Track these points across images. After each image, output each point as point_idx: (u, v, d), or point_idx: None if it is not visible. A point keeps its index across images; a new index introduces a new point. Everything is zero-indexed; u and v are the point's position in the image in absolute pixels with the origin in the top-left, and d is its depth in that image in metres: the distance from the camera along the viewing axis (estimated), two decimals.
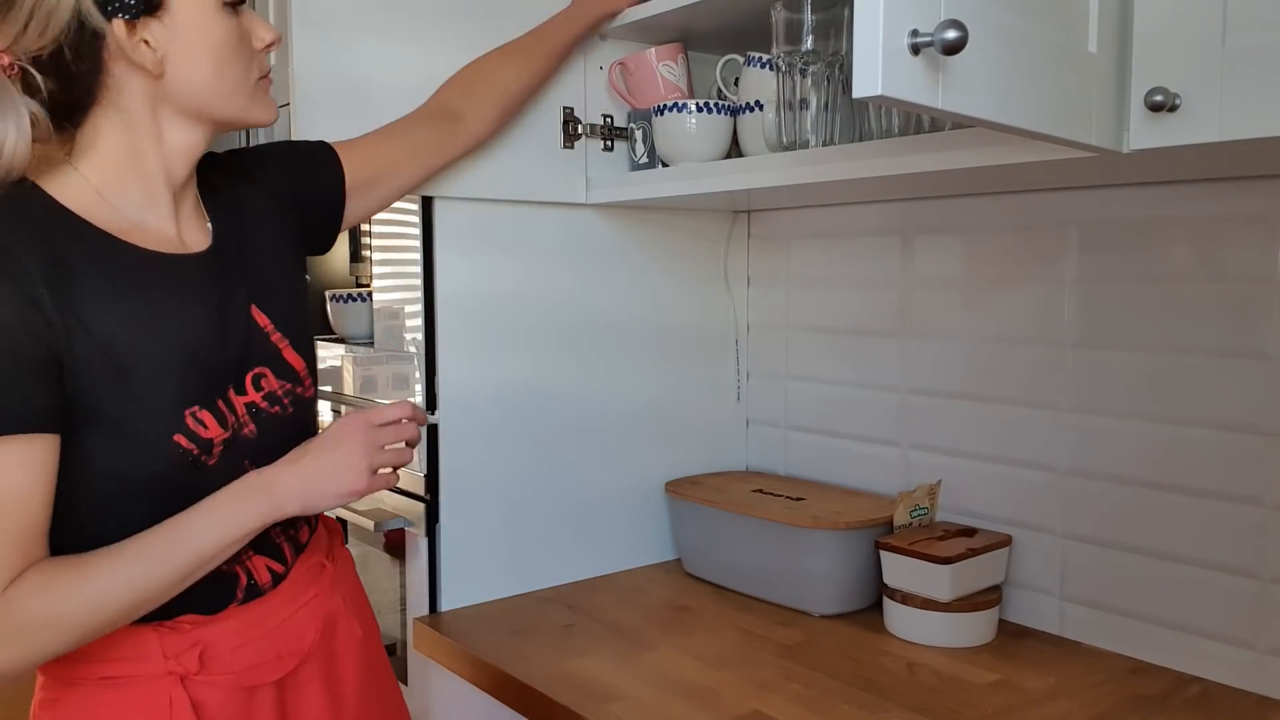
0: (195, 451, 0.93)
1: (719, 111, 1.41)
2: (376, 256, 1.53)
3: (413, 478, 1.44)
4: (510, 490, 1.48)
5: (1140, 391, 1.22)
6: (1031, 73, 0.80)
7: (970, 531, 1.37)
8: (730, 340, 1.73)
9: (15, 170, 0.89)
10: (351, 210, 1.19)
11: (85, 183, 0.93)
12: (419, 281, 1.40)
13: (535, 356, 1.50)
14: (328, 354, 1.68)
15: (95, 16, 0.88)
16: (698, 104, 1.40)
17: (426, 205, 1.39)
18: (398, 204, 1.45)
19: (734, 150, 1.44)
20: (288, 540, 1.05)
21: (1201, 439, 1.17)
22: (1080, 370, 1.28)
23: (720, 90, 1.46)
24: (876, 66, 0.65)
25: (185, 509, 0.93)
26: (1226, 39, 0.81)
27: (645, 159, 1.50)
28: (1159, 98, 0.84)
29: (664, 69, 1.48)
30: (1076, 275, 1.28)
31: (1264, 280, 1.12)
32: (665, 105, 1.42)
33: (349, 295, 1.65)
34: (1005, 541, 1.34)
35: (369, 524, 1.44)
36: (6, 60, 0.90)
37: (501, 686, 1.22)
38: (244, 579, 1.00)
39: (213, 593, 0.97)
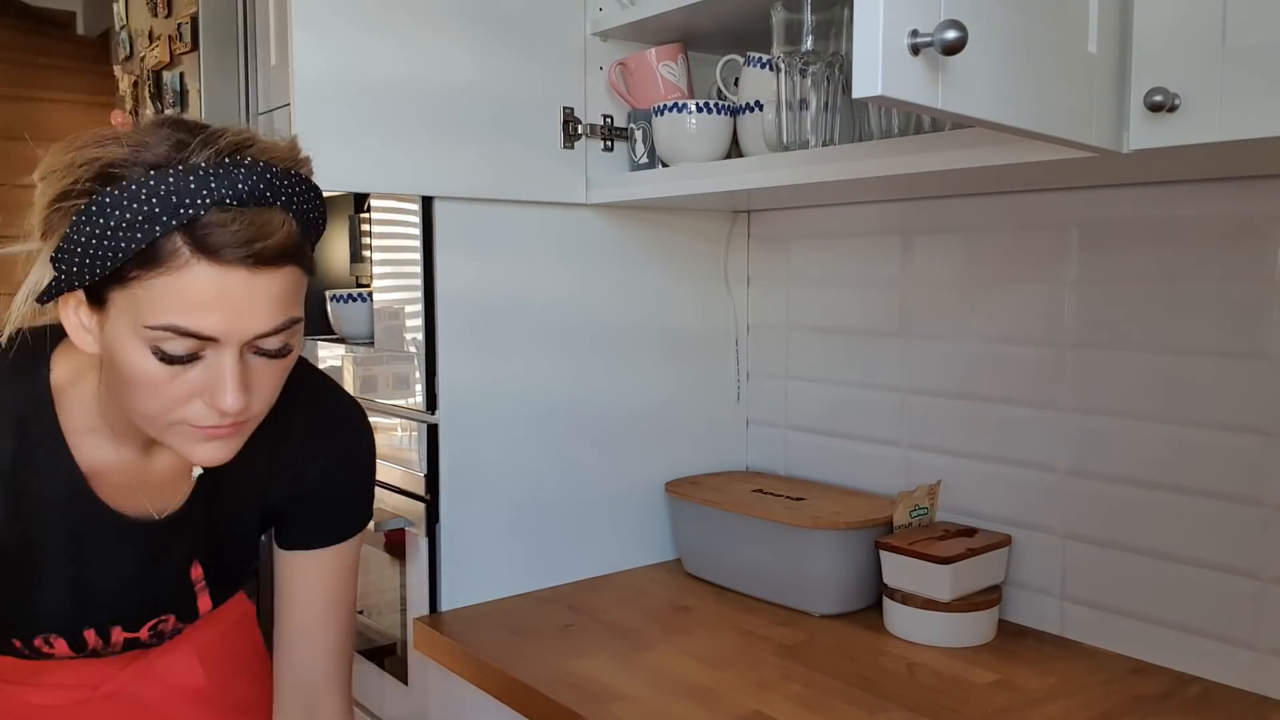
0: (27, 653, 0.95)
1: (719, 111, 1.41)
2: (376, 256, 1.53)
3: (413, 478, 1.44)
4: (510, 490, 1.48)
5: (1140, 391, 1.22)
6: (1031, 73, 0.80)
7: (970, 531, 1.37)
8: (730, 340, 1.73)
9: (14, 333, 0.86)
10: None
11: (94, 388, 0.90)
12: (419, 281, 1.40)
13: (535, 357, 1.50)
14: (328, 354, 1.68)
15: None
16: (698, 104, 1.40)
17: (426, 205, 1.39)
18: (398, 204, 1.45)
19: (734, 150, 1.44)
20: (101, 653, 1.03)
21: (1202, 439, 1.17)
22: (1080, 370, 1.28)
23: (720, 90, 1.46)
24: (876, 67, 0.65)
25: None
26: (1226, 39, 0.81)
27: (645, 159, 1.50)
28: (1159, 98, 0.84)
29: (664, 69, 1.48)
30: (1076, 275, 1.28)
31: (1264, 280, 1.12)
32: (665, 105, 1.42)
33: (349, 295, 1.65)
34: (1005, 541, 1.34)
35: (369, 524, 1.43)
36: None
37: (501, 686, 1.22)
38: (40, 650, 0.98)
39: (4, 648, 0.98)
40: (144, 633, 1.00)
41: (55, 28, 3.41)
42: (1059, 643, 1.29)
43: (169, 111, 0.81)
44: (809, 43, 1.21)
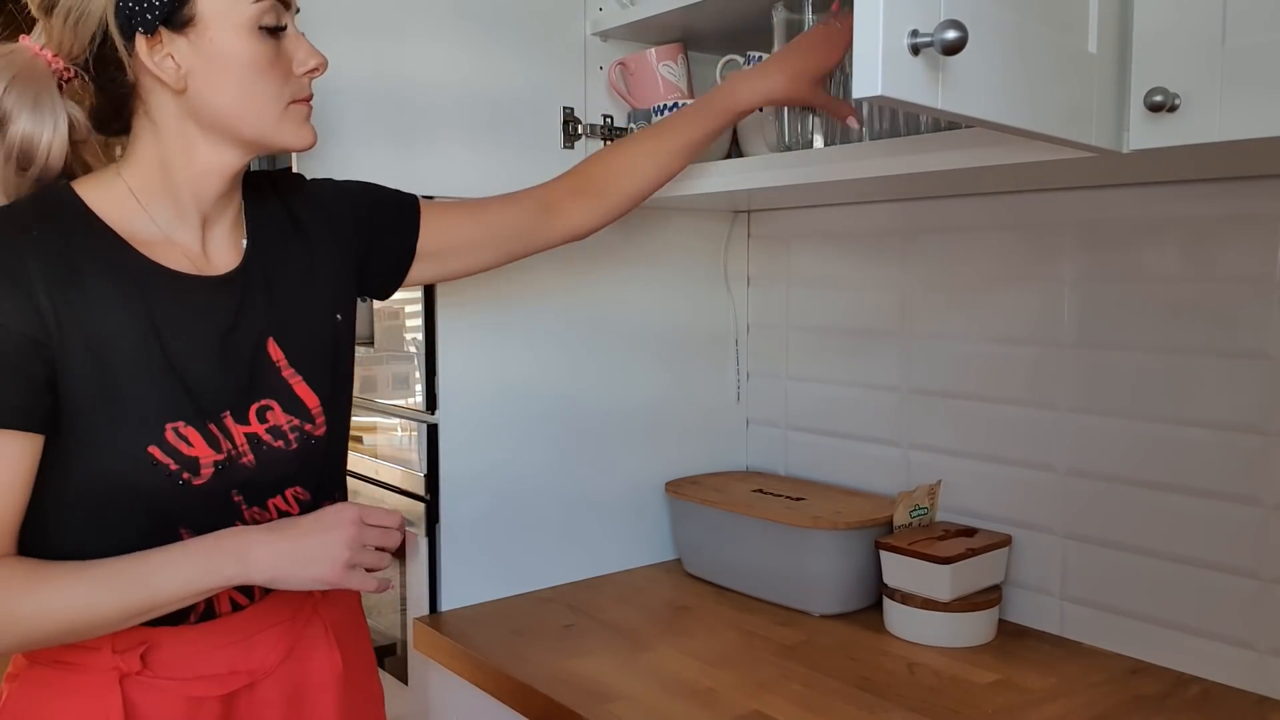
0: (174, 467, 0.92)
1: None
2: None
3: (413, 478, 1.44)
4: (510, 490, 1.48)
5: (1140, 391, 1.22)
6: (1031, 73, 0.80)
7: (970, 531, 1.37)
8: (730, 340, 1.73)
9: (51, 169, 0.91)
10: (419, 272, 1.18)
11: (125, 190, 0.95)
12: None
13: (535, 356, 1.50)
14: None
15: (118, 28, 0.89)
16: None
17: None
18: None
19: (734, 150, 1.44)
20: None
21: (1201, 439, 1.17)
22: (1080, 370, 1.28)
23: None
24: (876, 67, 0.65)
25: (175, 532, 0.93)
26: (1226, 39, 0.81)
27: None
28: (1159, 98, 0.84)
29: (664, 69, 1.48)
30: (1076, 275, 1.28)
31: (1264, 280, 1.12)
32: (665, 105, 1.42)
33: None
34: (1005, 541, 1.34)
35: None
36: (58, 63, 0.92)
37: (501, 686, 1.22)
38: (201, 605, 0.97)
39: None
40: (255, 423, 0.99)
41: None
42: (1059, 643, 1.29)
43: None
44: None
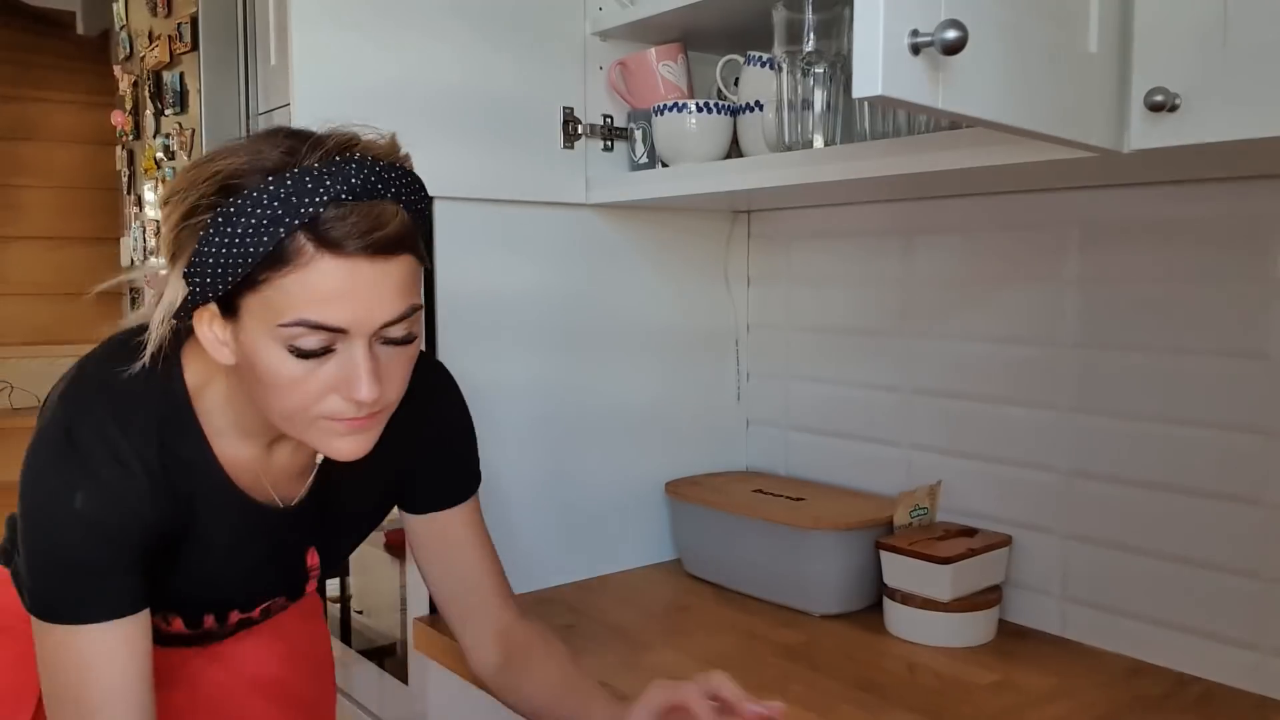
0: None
1: (719, 111, 1.41)
2: None
3: None
4: (510, 490, 1.48)
5: (1140, 391, 1.22)
6: (1031, 73, 0.79)
7: (970, 531, 1.37)
8: (730, 340, 1.73)
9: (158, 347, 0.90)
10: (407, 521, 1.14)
11: (217, 393, 0.94)
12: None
13: (535, 356, 1.50)
14: None
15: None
16: (698, 104, 1.40)
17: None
18: None
19: (734, 150, 1.44)
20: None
21: (1201, 439, 1.17)
22: (1080, 370, 1.28)
23: (720, 90, 1.46)
24: (876, 66, 0.65)
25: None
26: (1227, 38, 0.81)
27: (645, 159, 1.50)
28: (1159, 98, 0.84)
29: (664, 69, 1.48)
30: (1077, 275, 1.28)
31: (1264, 280, 1.12)
32: (665, 105, 1.42)
33: None
34: (1005, 541, 1.34)
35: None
36: None
37: None
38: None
39: None
40: (256, 613, 1.05)
41: (55, 27, 3.41)
42: (1059, 643, 1.29)
43: (274, 125, 0.88)
44: (811, 42, 1.21)
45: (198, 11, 1.86)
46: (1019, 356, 1.35)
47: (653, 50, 1.48)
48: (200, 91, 1.85)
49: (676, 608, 1.44)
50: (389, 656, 1.53)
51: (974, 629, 1.28)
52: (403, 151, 0.88)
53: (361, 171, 0.81)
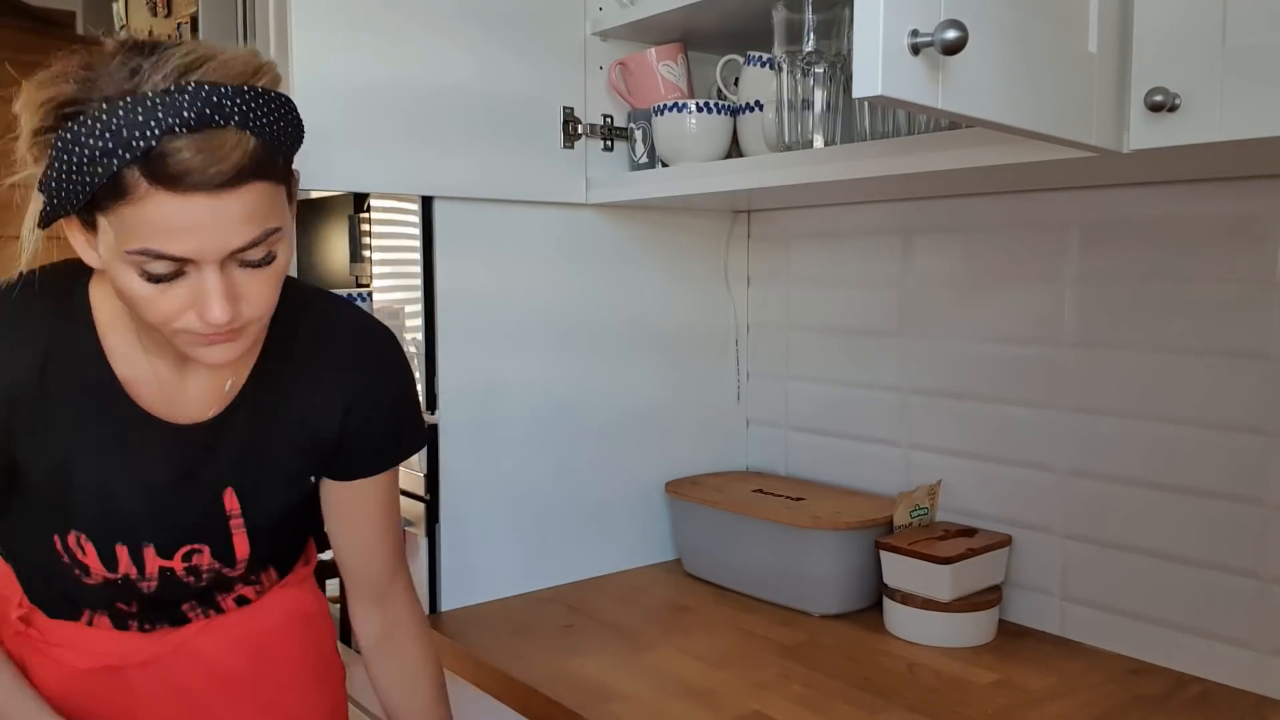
0: (66, 561, 0.97)
1: (719, 111, 1.41)
2: (376, 256, 1.53)
3: (413, 478, 1.44)
4: (510, 490, 1.48)
5: (1141, 391, 1.22)
6: (1031, 73, 0.79)
7: (970, 531, 1.37)
8: (730, 340, 1.73)
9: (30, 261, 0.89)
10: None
11: (119, 307, 0.92)
12: (419, 281, 1.40)
13: (535, 356, 1.50)
14: None
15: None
16: (698, 104, 1.40)
17: (426, 205, 1.38)
18: (398, 204, 1.45)
19: (734, 150, 1.44)
20: (140, 628, 1.05)
21: (1201, 439, 1.17)
22: (1080, 370, 1.28)
23: (720, 90, 1.46)
24: (876, 66, 0.65)
25: (78, 609, 1.02)
26: (1226, 39, 0.81)
27: (645, 159, 1.50)
28: (1159, 98, 0.84)
29: (664, 69, 1.48)
30: (1076, 275, 1.28)
31: (1264, 280, 1.12)
32: (665, 105, 1.42)
33: (349, 295, 1.65)
34: (1005, 541, 1.34)
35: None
36: None
37: (501, 686, 1.22)
38: (85, 618, 1.03)
39: (58, 609, 1.03)
40: (177, 561, 0.99)
41: (55, 28, 3.40)
42: (1059, 643, 1.29)
43: (124, 34, 0.83)
44: (811, 42, 1.21)
45: (198, 11, 1.86)
46: (1019, 356, 1.35)
47: (653, 50, 1.48)
48: None
49: (676, 608, 1.44)
50: None
51: (974, 629, 1.28)
52: (262, 63, 0.83)
53: (197, 101, 0.76)
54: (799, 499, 1.49)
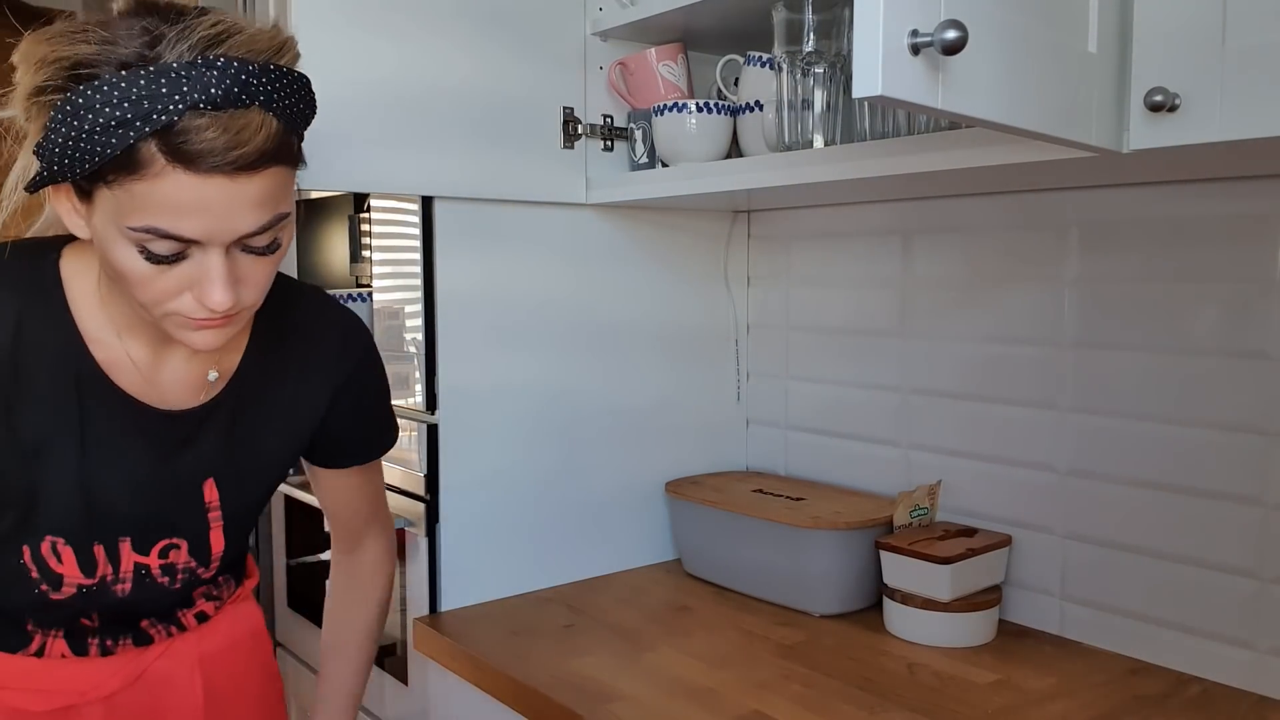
0: (35, 575, 0.91)
1: (719, 111, 1.41)
2: (376, 256, 1.53)
3: (413, 478, 1.44)
4: (510, 490, 1.48)
5: (1140, 391, 1.22)
6: (1031, 73, 0.79)
7: (970, 531, 1.37)
8: (730, 340, 1.73)
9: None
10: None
11: (95, 282, 0.88)
12: (419, 281, 1.40)
13: (535, 356, 1.50)
14: None
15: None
16: (698, 104, 1.40)
17: (426, 205, 1.39)
18: (398, 204, 1.45)
19: (734, 150, 1.44)
20: (101, 647, 1.00)
21: (1201, 439, 1.17)
22: (1080, 370, 1.28)
23: (720, 90, 1.46)
24: (876, 66, 0.65)
25: (21, 623, 0.94)
26: (1226, 39, 0.81)
27: (645, 159, 1.50)
28: (1159, 98, 0.84)
29: (664, 69, 1.48)
30: (1076, 275, 1.28)
31: (1264, 280, 1.12)
32: (665, 105, 1.42)
33: (349, 295, 1.65)
34: (1005, 541, 1.34)
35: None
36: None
37: (501, 686, 1.22)
38: (36, 645, 0.97)
39: (4, 638, 0.96)
40: (154, 558, 0.95)
41: None
42: (1059, 643, 1.29)
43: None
44: (811, 42, 1.21)
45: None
46: (1019, 356, 1.35)
47: (653, 50, 1.48)
48: None
49: (676, 608, 1.44)
50: (389, 656, 1.53)
51: (974, 629, 1.28)
52: (285, 38, 0.79)
53: (225, 78, 0.72)
54: (799, 499, 1.49)
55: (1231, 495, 1.15)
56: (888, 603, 1.33)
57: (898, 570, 1.31)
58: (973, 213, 1.39)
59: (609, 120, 1.53)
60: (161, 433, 0.93)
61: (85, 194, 0.78)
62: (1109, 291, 1.25)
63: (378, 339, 1.53)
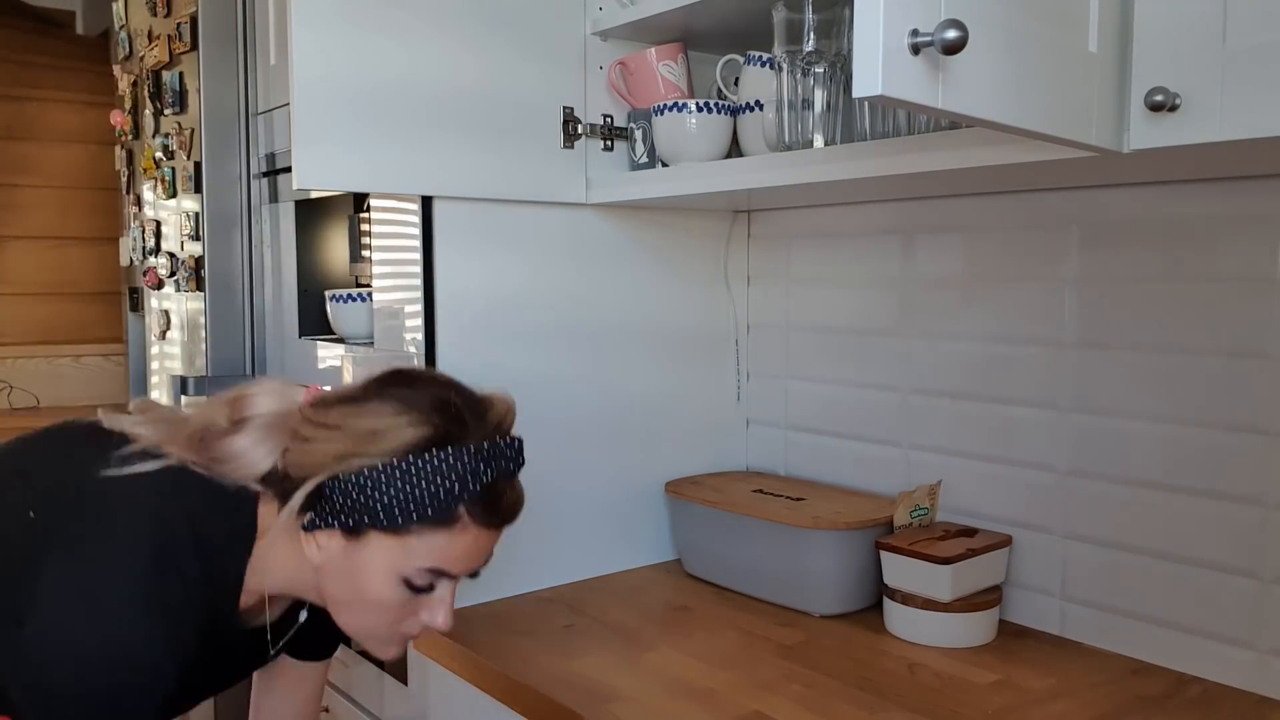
0: None
1: (719, 111, 1.41)
2: (376, 256, 1.53)
3: None
4: None
5: (1141, 391, 1.22)
6: (1031, 73, 0.79)
7: (970, 531, 1.37)
8: (730, 340, 1.73)
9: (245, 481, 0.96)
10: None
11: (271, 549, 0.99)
12: (419, 281, 1.40)
13: (535, 356, 1.50)
14: (328, 354, 1.68)
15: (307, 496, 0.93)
16: (698, 104, 1.40)
17: (426, 205, 1.38)
18: (398, 204, 1.45)
19: (734, 150, 1.44)
20: None
21: (1202, 439, 1.17)
22: (1081, 370, 1.28)
23: (720, 90, 1.46)
24: (876, 66, 0.65)
25: None
26: (1226, 39, 0.81)
27: (645, 159, 1.50)
28: (1159, 98, 0.84)
29: (664, 69, 1.48)
30: (1077, 275, 1.28)
31: (1264, 280, 1.12)
32: (665, 105, 1.42)
33: (349, 295, 1.65)
34: (1005, 541, 1.34)
35: None
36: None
37: (501, 686, 1.22)
38: None
39: None
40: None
41: (55, 27, 3.41)
42: (1059, 643, 1.29)
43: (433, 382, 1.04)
44: (811, 42, 1.21)
45: (197, 11, 1.86)
46: (1019, 356, 1.35)
47: (653, 50, 1.48)
48: (200, 91, 1.85)
49: (676, 608, 1.44)
50: None
51: (974, 629, 1.28)
52: (512, 411, 1.01)
53: (512, 452, 0.96)
54: (799, 499, 1.49)
55: (1232, 495, 1.15)
56: (888, 603, 1.33)
57: (898, 570, 1.31)
58: (973, 212, 1.39)
59: (609, 120, 1.53)
60: (253, 646, 1.07)
61: (355, 534, 0.93)
62: (1109, 291, 1.25)
63: (377, 338, 1.53)
